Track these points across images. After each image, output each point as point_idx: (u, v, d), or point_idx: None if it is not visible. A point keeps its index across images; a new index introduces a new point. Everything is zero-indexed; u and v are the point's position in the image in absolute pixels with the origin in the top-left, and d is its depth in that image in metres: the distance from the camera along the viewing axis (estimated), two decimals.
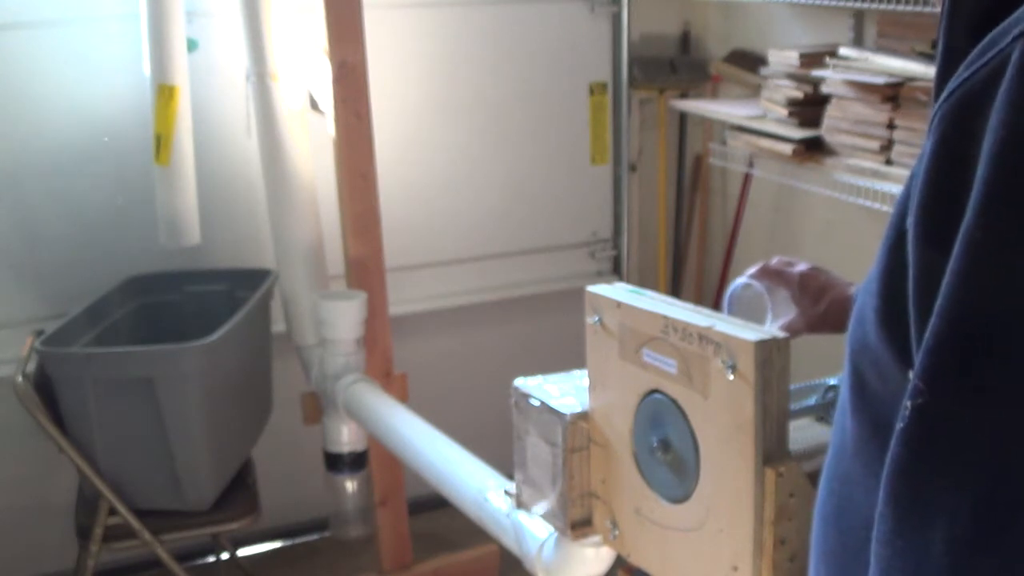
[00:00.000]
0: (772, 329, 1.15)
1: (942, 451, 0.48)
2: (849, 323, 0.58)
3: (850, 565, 0.55)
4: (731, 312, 1.21)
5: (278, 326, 2.39)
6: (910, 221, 0.51)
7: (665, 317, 0.99)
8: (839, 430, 0.59)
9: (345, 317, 2.20)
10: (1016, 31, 0.48)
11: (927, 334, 0.49)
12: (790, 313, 1.19)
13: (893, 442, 0.50)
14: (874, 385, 0.55)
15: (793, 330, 1.19)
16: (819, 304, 1.18)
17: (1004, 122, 0.47)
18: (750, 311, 1.19)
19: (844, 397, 0.58)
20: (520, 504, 1.27)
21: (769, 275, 1.21)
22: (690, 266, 3.18)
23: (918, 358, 0.50)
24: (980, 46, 0.50)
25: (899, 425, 0.50)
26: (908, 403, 0.50)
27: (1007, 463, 0.46)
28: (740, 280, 1.22)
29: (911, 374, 0.50)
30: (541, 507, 1.21)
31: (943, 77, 0.55)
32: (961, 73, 0.50)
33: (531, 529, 1.39)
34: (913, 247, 0.51)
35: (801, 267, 1.22)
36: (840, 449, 0.58)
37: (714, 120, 2.90)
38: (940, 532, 0.48)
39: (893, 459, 0.50)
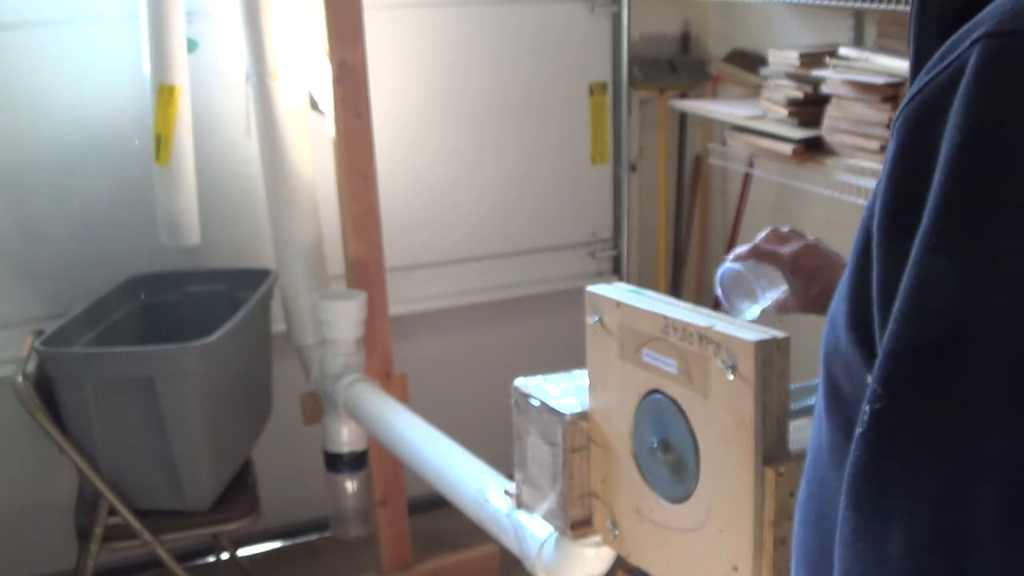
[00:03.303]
0: (767, 299, 1.15)
1: (900, 455, 0.49)
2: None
3: (828, 568, 0.55)
4: (724, 295, 1.20)
5: (278, 326, 2.39)
6: (874, 225, 0.52)
7: (665, 317, 0.99)
8: (816, 434, 0.59)
9: (345, 317, 2.20)
10: (974, 35, 0.48)
11: (885, 339, 0.50)
12: (780, 290, 1.17)
13: (853, 445, 0.51)
14: (846, 389, 0.55)
15: (785, 309, 1.18)
16: (810, 289, 1.17)
17: (960, 127, 0.47)
18: (741, 292, 1.18)
19: (819, 401, 0.58)
20: (520, 504, 1.27)
21: (760, 255, 1.19)
22: (690, 266, 3.18)
23: (876, 362, 0.50)
24: (941, 50, 0.50)
25: (858, 429, 0.51)
26: (867, 407, 0.50)
27: (963, 467, 0.47)
28: (725, 267, 1.20)
29: (870, 378, 0.51)
30: (541, 507, 1.21)
31: (913, 80, 0.55)
32: (922, 77, 0.51)
33: (531, 529, 1.39)
34: (876, 251, 0.52)
35: (795, 246, 1.18)
36: (817, 453, 0.59)
37: (714, 120, 2.90)
38: (899, 536, 0.48)
39: (853, 462, 0.51)
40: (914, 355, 0.48)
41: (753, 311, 1.17)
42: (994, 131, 0.46)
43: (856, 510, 0.51)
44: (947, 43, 0.50)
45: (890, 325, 0.49)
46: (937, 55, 0.51)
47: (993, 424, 0.46)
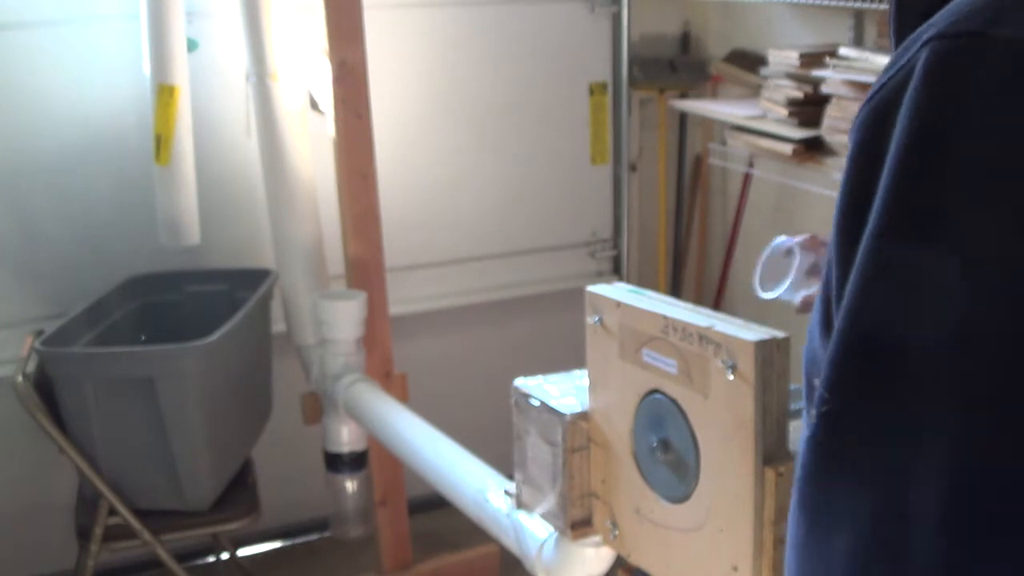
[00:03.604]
0: (792, 289, 1.13)
1: (843, 460, 0.49)
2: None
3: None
4: (762, 265, 1.19)
5: (278, 326, 2.39)
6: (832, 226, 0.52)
7: (665, 317, 0.99)
8: (802, 439, 0.60)
9: (345, 317, 2.20)
10: (924, 37, 0.48)
11: (830, 343, 0.50)
12: (812, 289, 1.17)
13: (801, 448, 0.51)
14: None
15: (809, 309, 1.18)
16: None
17: (905, 129, 0.47)
18: (776, 271, 1.17)
19: (804, 407, 0.59)
20: (520, 504, 1.27)
21: (815, 246, 1.19)
22: (690, 266, 3.18)
23: (822, 367, 0.50)
24: (896, 52, 0.50)
25: (806, 432, 0.51)
26: (814, 411, 0.50)
27: (902, 473, 0.47)
28: (783, 239, 1.19)
29: (817, 382, 0.51)
30: (541, 507, 1.21)
31: None
32: (880, 78, 0.51)
33: (531, 529, 1.39)
34: (833, 253, 0.52)
35: None
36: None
37: (714, 120, 2.90)
38: (842, 539, 0.49)
39: (802, 465, 0.51)
40: (856, 360, 0.48)
41: (770, 291, 1.16)
42: (937, 133, 0.47)
43: (804, 512, 0.51)
44: (900, 46, 0.50)
45: (834, 331, 0.49)
46: (893, 56, 0.51)
47: (933, 428, 0.46)
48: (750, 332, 0.91)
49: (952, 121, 0.46)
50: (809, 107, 2.36)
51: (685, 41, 3.06)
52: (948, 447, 0.45)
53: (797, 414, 1.10)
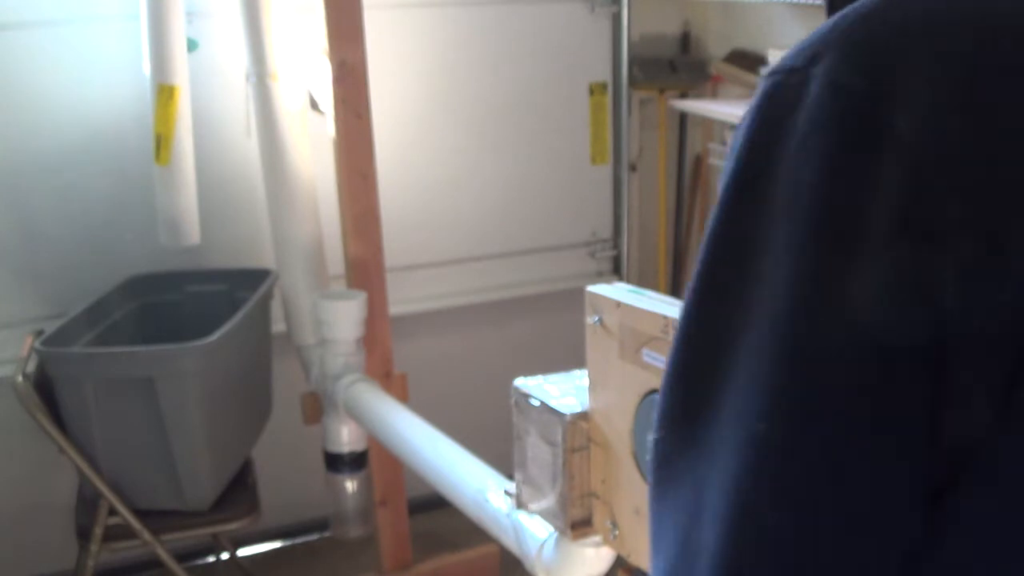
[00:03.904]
0: None
1: (663, 489, 0.52)
2: None
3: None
4: None
5: (278, 326, 2.39)
6: None
7: (665, 317, 0.99)
8: None
9: (345, 317, 2.20)
10: (768, 70, 0.48)
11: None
12: None
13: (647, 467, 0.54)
14: None
15: None
16: None
17: (727, 166, 0.48)
18: None
19: None
20: (520, 504, 1.27)
21: None
22: (690, 266, 3.18)
23: None
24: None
25: (647, 456, 0.54)
26: (650, 437, 0.53)
27: (699, 509, 0.49)
28: None
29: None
30: (541, 507, 1.21)
31: None
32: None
33: (531, 529, 1.39)
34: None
35: None
36: None
37: (714, 120, 2.90)
38: (661, 558, 0.51)
39: (648, 485, 0.54)
40: (672, 393, 0.50)
41: None
42: (749, 170, 0.47)
43: (649, 524, 0.54)
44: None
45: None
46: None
47: (718, 466, 0.48)
48: None
49: (763, 160, 0.46)
50: None
51: (685, 41, 3.06)
52: (727, 482, 0.47)
53: None
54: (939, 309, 0.43)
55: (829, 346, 0.44)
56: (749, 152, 0.47)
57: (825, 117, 0.45)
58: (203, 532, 2.14)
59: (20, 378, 1.93)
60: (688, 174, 3.15)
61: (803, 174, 0.45)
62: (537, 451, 1.19)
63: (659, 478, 0.52)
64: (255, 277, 2.31)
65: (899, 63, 0.44)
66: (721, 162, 2.83)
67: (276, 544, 2.81)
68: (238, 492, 2.14)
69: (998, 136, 0.43)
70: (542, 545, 1.36)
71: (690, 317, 0.50)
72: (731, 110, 2.64)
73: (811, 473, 0.45)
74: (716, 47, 2.99)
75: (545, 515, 1.21)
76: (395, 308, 2.46)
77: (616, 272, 3.05)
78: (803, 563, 0.45)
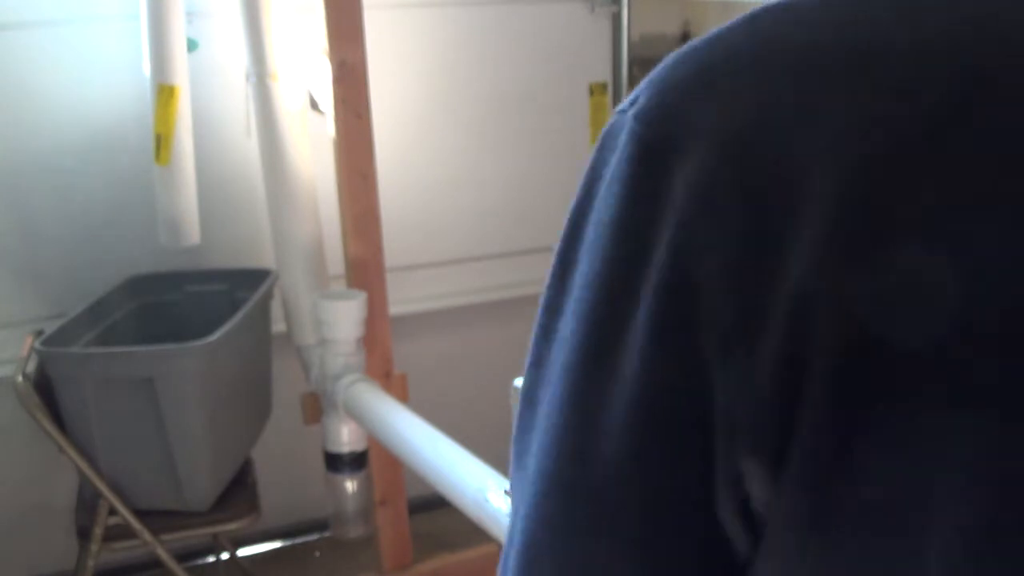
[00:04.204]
0: None
1: (512, 480, 0.53)
2: None
3: None
4: None
5: (278, 326, 2.39)
6: None
7: None
8: None
9: (345, 317, 2.20)
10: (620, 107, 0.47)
11: None
12: None
13: None
14: None
15: None
16: None
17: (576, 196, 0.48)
18: None
19: None
20: None
21: None
22: None
23: None
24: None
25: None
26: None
27: (514, 512, 0.50)
28: None
29: None
30: None
31: None
32: None
33: None
34: None
35: None
36: None
37: None
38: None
39: None
40: (520, 421, 0.51)
41: None
42: (579, 206, 0.47)
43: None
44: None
45: None
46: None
47: (519, 499, 0.49)
48: None
49: (588, 196, 0.46)
50: None
51: (685, 41, 3.04)
52: (520, 511, 0.49)
53: None
54: (704, 383, 0.40)
55: (598, 428, 0.44)
56: (581, 189, 0.47)
57: (620, 170, 0.43)
58: (203, 532, 2.14)
59: (20, 378, 1.93)
60: None
61: (602, 218, 0.44)
62: None
63: (511, 479, 0.53)
64: (255, 277, 2.31)
65: (693, 111, 0.42)
66: None
67: (276, 544, 2.81)
68: (238, 492, 2.14)
69: (766, 190, 0.39)
70: None
71: (533, 340, 0.50)
72: None
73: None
74: None
75: None
76: (395, 308, 2.46)
77: None
78: None
